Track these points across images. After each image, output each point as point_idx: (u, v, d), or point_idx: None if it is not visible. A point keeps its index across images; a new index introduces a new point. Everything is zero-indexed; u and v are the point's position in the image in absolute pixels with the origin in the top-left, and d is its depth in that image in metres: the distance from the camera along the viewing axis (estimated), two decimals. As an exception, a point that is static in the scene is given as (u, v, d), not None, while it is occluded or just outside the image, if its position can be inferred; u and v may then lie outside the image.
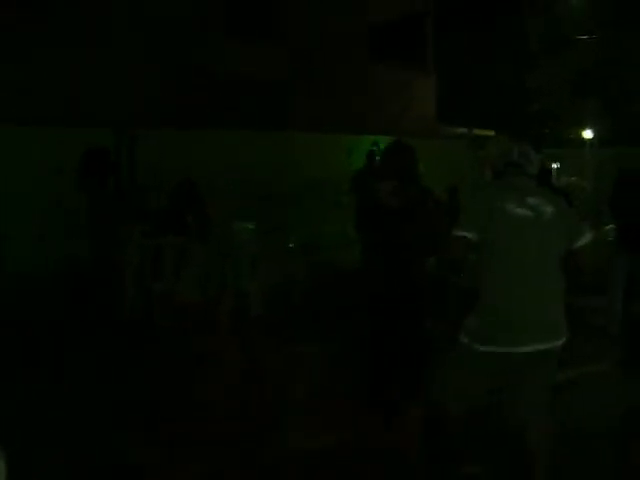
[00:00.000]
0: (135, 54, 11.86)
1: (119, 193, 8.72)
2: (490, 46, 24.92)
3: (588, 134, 26.27)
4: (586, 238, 3.93)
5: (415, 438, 4.24)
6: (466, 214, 3.96)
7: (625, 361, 7.12)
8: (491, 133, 17.15)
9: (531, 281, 3.75)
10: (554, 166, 19.72)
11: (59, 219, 9.23)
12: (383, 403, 5.17)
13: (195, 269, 8.03)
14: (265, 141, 12.58)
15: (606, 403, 5.84)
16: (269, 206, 10.60)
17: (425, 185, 5.36)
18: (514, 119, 23.94)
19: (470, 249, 3.85)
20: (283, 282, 8.58)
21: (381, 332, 5.31)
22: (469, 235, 3.80)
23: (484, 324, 3.77)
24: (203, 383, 5.99)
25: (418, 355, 5.17)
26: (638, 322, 7.85)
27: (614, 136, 22.93)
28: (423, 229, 5.04)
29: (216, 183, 9.93)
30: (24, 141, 10.00)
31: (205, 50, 12.95)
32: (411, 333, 5.16)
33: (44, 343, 7.01)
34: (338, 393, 5.79)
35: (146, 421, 5.28)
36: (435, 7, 18.75)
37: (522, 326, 3.72)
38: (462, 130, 15.96)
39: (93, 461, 4.63)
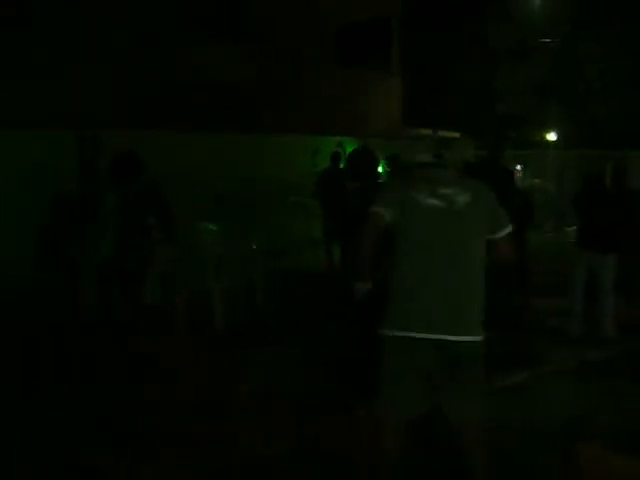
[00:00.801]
0: (102, 56, 11.77)
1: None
2: (456, 48, 25.08)
3: (553, 136, 26.61)
4: (507, 230, 3.97)
5: (370, 439, 4.21)
6: (381, 195, 4.03)
7: (586, 362, 7.20)
8: (456, 135, 17.23)
9: (440, 271, 3.78)
10: (518, 167, 19.93)
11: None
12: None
13: (159, 270, 7.96)
14: (231, 142, 12.55)
15: (564, 404, 5.92)
16: (234, 207, 10.56)
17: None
18: (479, 121, 24.13)
19: (383, 226, 3.88)
20: (247, 284, 8.55)
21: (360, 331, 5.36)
22: (382, 211, 3.86)
23: (395, 309, 3.83)
24: (159, 385, 5.93)
25: None
26: (599, 323, 7.94)
27: (578, 138, 23.22)
28: None
29: (181, 184, 9.88)
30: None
31: (172, 52, 12.88)
32: None
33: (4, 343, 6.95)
34: (298, 396, 5.79)
35: (101, 422, 5.23)
36: (401, 9, 18.80)
37: (426, 313, 3.75)
38: (427, 131, 16.05)
39: (46, 461, 4.60)
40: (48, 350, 6.81)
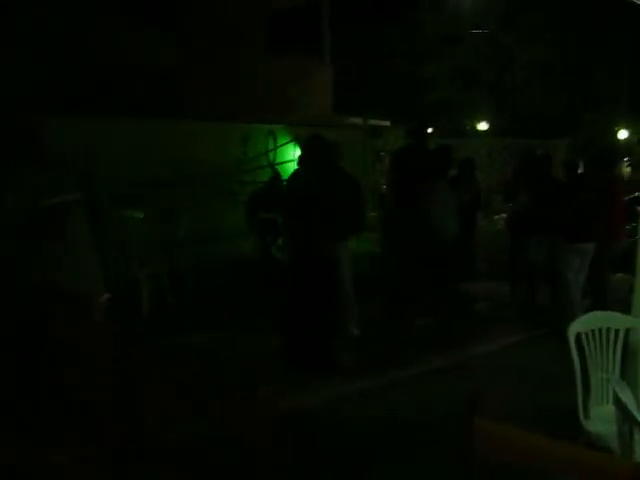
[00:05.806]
0: (25, 40, 11.47)
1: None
2: (387, 37, 25.18)
3: (483, 125, 26.97)
4: None
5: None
6: None
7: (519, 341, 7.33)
8: (387, 123, 17.30)
9: None
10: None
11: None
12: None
13: (83, 257, 7.77)
14: (158, 129, 12.34)
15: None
16: (160, 194, 10.38)
17: None
18: (410, 109, 24.28)
19: None
20: (173, 271, 8.43)
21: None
22: None
23: None
24: (74, 376, 5.77)
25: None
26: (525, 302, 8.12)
27: (506, 127, 23.58)
28: None
29: (106, 170, 9.68)
30: None
31: (96, 36, 12.62)
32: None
33: None
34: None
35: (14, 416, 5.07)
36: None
37: None
38: (358, 120, 16.05)
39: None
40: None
